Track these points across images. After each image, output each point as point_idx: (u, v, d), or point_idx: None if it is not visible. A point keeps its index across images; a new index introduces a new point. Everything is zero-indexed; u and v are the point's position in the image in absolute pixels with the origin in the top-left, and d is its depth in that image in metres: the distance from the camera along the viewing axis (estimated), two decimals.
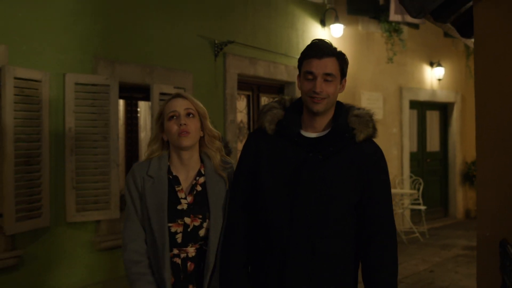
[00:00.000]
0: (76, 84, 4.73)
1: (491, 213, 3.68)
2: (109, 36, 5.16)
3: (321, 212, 2.26)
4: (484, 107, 3.77)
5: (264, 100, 7.49)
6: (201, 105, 2.49)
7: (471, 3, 3.80)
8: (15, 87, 4.21)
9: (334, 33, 8.24)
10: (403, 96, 9.71)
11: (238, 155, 2.57)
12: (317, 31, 8.15)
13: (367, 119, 2.34)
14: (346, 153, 2.30)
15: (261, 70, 7.09)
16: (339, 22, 8.19)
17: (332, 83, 2.26)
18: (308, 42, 7.68)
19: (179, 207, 2.39)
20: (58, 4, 4.72)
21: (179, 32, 5.88)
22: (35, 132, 4.41)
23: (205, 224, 2.40)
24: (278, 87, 7.69)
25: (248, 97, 7.35)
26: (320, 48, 2.28)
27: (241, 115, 7.25)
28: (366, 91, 9.07)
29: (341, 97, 7.97)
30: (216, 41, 6.32)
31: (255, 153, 2.39)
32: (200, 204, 2.41)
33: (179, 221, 2.38)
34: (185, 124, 2.38)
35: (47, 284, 4.62)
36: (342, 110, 2.38)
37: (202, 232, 2.40)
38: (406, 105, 9.78)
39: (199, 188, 2.45)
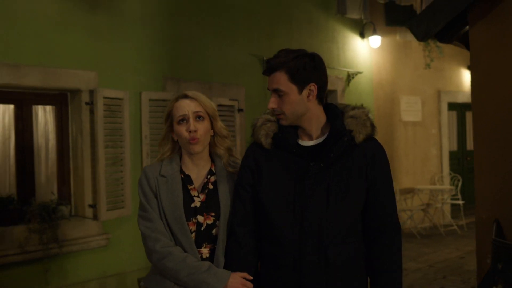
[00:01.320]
0: (150, 100, 5.82)
1: (486, 199, 4.48)
2: (175, 59, 6.23)
3: (330, 221, 2.18)
4: (479, 110, 4.59)
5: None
6: (210, 104, 2.42)
7: (467, 27, 4.62)
8: (104, 104, 5.32)
9: (372, 44, 9.10)
10: (441, 99, 10.41)
11: None
12: (356, 43, 9.02)
13: (364, 118, 2.24)
14: (348, 157, 2.22)
15: None
16: (377, 34, 9.03)
17: (285, 97, 2.19)
18: (348, 53, 8.78)
19: (192, 205, 2.35)
20: (134, 36, 5.82)
21: (232, 52, 6.90)
22: (119, 140, 5.51)
23: (218, 223, 2.35)
24: None
25: None
26: (268, 64, 2.24)
27: None
28: (404, 96, 9.84)
29: (382, 101, 9.41)
30: (265, 58, 7.30)
31: (254, 168, 2.32)
32: (213, 202, 2.37)
33: (193, 220, 2.33)
34: (195, 130, 2.31)
35: (130, 261, 5.72)
36: (337, 112, 2.28)
37: (215, 232, 2.35)
38: (444, 107, 10.47)
39: (210, 186, 2.40)
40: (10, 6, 4.83)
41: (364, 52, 9.18)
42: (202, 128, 2.35)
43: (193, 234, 2.32)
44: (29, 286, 4.90)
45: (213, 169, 2.45)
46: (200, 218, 2.34)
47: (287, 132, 2.26)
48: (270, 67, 2.22)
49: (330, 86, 8.44)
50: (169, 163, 2.40)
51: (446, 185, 10.20)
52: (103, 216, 5.31)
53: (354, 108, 2.30)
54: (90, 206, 5.34)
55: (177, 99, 2.39)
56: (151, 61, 5.98)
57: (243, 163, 2.36)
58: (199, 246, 2.33)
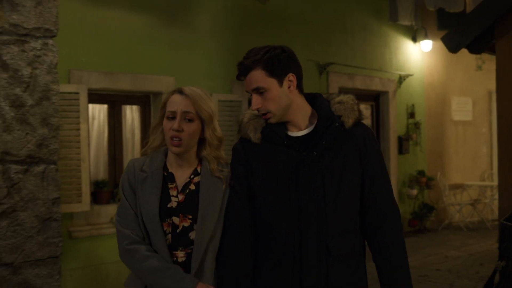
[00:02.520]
0: (219, 101, 6.76)
1: (508, 190, 5.14)
2: None
3: (329, 210, 2.14)
4: (503, 113, 5.24)
5: (361, 107, 9.16)
6: (206, 106, 2.22)
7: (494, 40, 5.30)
8: None
9: (424, 48, 9.72)
10: (493, 99, 10.84)
11: None
12: (408, 47, 9.67)
13: (351, 103, 2.23)
14: (340, 143, 2.18)
15: (358, 83, 8.79)
16: (429, 38, 9.64)
17: (267, 94, 2.13)
18: (400, 57, 9.77)
19: (169, 205, 2.21)
20: (205, 46, 6.78)
21: None
22: None
23: (195, 226, 2.19)
24: (373, 96, 9.35)
25: None
26: (241, 66, 2.19)
27: None
28: (455, 96, 10.40)
29: (433, 101, 10.56)
30: (321, 63, 8.12)
31: (245, 162, 2.23)
32: (192, 203, 2.21)
33: (168, 220, 2.19)
34: (178, 130, 2.16)
35: None
36: (322, 100, 2.25)
37: (193, 235, 2.19)
38: (495, 107, 10.90)
39: (192, 187, 2.24)
40: (106, 24, 5.88)
41: (416, 55, 9.81)
42: (188, 130, 2.18)
43: (169, 235, 2.20)
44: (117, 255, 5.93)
45: (198, 169, 2.28)
46: (175, 220, 2.20)
47: (276, 125, 2.21)
48: (244, 68, 2.18)
49: (382, 88, 9.16)
50: (154, 158, 2.27)
51: (496, 182, 10.65)
52: None
53: (339, 94, 2.29)
54: None
55: (173, 92, 2.27)
56: (220, 67, 6.91)
57: (234, 157, 2.29)
58: (174, 249, 2.20)
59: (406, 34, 9.64)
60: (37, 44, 2.79)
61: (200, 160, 2.29)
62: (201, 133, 2.24)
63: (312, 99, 2.28)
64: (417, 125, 9.65)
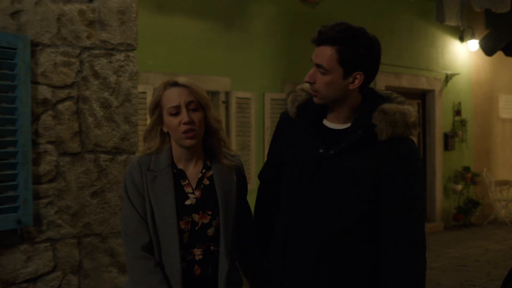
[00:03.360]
0: (271, 99, 7.32)
1: None
2: (292, 66, 7.68)
3: (323, 215, 1.99)
4: None
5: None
6: (204, 94, 2.14)
7: None
8: (236, 103, 6.91)
9: (471, 47, 9.97)
10: None
11: None
12: (455, 46, 9.94)
13: (395, 117, 1.93)
14: (363, 151, 1.96)
15: (405, 82, 9.16)
16: (476, 38, 9.86)
17: (326, 77, 1.95)
18: (447, 56, 10.32)
19: (187, 202, 2.12)
20: (259, 49, 7.35)
21: None
22: (247, 131, 7.07)
23: (214, 222, 2.12)
24: (420, 94, 9.70)
25: None
26: (320, 34, 1.98)
27: None
28: (502, 94, 10.59)
29: (480, 99, 11.11)
30: None
31: (280, 134, 2.21)
32: (209, 199, 2.14)
33: (186, 218, 2.10)
34: (189, 121, 2.05)
35: None
36: (371, 103, 2.01)
37: (211, 232, 2.12)
38: None
39: (206, 181, 2.17)
40: (169, 31, 6.53)
41: (463, 54, 10.07)
42: (197, 119, 2.09)
43: (186, 234, 2.10)
44: None
45: (208, 163, 2.20)
46: (195, 217, 2.12)
47: (311, 108, 2.07)
48: (321, 38, 1.98)
49: (429, 86, 9.50)
50: (160, 156, 2.15)
51: None
52: None
53: (392, 101, 2.03)
54: None
55: (165, 87, 2.12)
56: (273, 68, 7.47)
57: (277, 125, 2.28)
58: (192, 246, 2.12)
59: (453, 34, 9.91)
60: (121, 56, 3.40)
61: (206, 152, 2.22)
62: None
63: (367, 95, 2.06)
64: (463, 123, 9.91)
